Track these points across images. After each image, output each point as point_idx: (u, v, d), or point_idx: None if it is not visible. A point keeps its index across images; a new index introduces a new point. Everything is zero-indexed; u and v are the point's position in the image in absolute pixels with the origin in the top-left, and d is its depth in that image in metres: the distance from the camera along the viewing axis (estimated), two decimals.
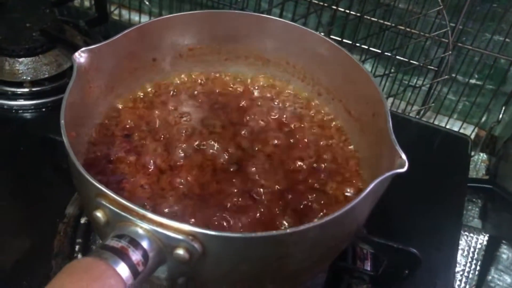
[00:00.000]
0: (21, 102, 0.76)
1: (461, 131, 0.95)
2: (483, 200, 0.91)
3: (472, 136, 0.97)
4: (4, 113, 0.76)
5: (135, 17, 1.05)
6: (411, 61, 0.87)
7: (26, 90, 0.76)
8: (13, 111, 0.76)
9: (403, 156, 0.43)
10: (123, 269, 0.34)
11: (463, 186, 0.77)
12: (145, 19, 1.04)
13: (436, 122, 0.96)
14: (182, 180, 0.50)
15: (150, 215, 0.37)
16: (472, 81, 0.91)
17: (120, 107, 0.56)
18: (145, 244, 0.37)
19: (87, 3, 1.03)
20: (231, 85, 0.61)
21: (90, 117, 0.53)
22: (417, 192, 0.75)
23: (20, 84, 0.76)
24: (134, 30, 0.54)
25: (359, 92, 0.53)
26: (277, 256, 0.39)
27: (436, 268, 0.66)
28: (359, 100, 0.54)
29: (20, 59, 0.75)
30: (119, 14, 1.04)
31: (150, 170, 0.51)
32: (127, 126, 0.55)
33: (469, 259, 0.78)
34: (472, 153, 0.96)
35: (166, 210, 0.48)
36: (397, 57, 0.88)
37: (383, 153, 0.47)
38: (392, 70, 0.94)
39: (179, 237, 0.36)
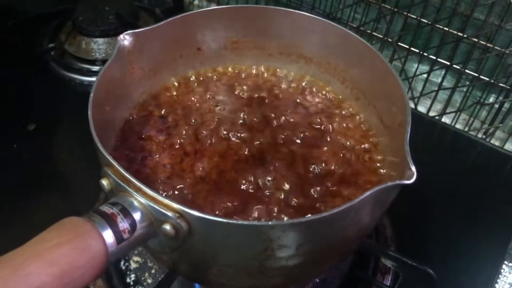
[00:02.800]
0: (93, 78, 0.83)
1: None
2: None
3: None
4: (76, 87, 0.84)
5: None
6: (481, 77, 0.82)
7: (98, 68, 0.83)
8: (84, 85, 0.83)
9: (413, 168, 0.41)
10: (107, 234, 0.37)
11: None
12: None
13: (509, 145, 0.89)
14: (203, 165, 0.52)
15: (145, 189, 0.39)
16: None
17: (162, 90, 0.60)
18: (137, 215, 0.39)
19: None
20: (271, 81, 0.62)
21: (131, 95, 0.57)
22: (464, 216, 0.71)
23: (92, 62, 0.83)
24: (179, 18, 0.56)
25: (391, 100, 0.52)
26: (262, 248, 0.40)
27: None
28: (390, 108, 0.52)
29: (95, 39, 0.83)
30: (199, 5, 1.09)
31: (175, 151, 0.54)
32: (165, 108, 0.58)
33: None
34: None
35: (181, 190, 0.50)
36: (466, 70, 0.83)
37: (399, 163, 0.45)
38: (467, 84, 0.89)
39: (168, 213, 0.38)
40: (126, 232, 0.38)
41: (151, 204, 0.39)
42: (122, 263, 0.61)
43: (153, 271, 0.59)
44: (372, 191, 0.39)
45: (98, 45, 0.82)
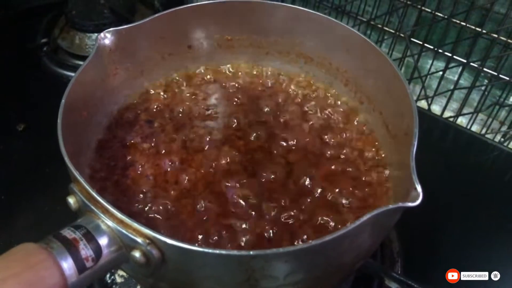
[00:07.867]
0: None
1: None
2: None
3: None
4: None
5: None
6: (501, 75, 0.75)
7: None
8: None
9: (418, 188, 0.36)
10: (67, 263, 0.32)
11: None
12: None
13: None
14: (188, 176, 0.48)
15: (112, 210, 0.35)
16: None
17: (149, 92, 0.55)
18: (103, 240, 0.35)
19: None
20: (268, 82, 0.57)
21: (114, 98, 0.53)
22: (481, 228, 0.65)
23: (86, 58, 0.78)
24: (167, 14, 0.52)
25: (397, 106, 0.46)
26: (245, 278, 0.35)
27: None
28: (396, 115, 0.47)
29: (89, 34, 0.78)
30: None
31: (159, 160, 0.49)
32: (152, 111, 0.54)
33: None
34: None
35: (164, 205, 0.45)
36: (485, 69, 0.76)
37: (404, 180, 0.40)
38: (485, 83, 0.82)
39: (137, 239, 0.34)
40: (89, 260, 0.34)
41: (119, 228, 0.34)
42: (107, 276, 0.57)
43: (138, 287, 0.55)
44: (370, 215, 0.34)
45: (92, 41, 0.78)
